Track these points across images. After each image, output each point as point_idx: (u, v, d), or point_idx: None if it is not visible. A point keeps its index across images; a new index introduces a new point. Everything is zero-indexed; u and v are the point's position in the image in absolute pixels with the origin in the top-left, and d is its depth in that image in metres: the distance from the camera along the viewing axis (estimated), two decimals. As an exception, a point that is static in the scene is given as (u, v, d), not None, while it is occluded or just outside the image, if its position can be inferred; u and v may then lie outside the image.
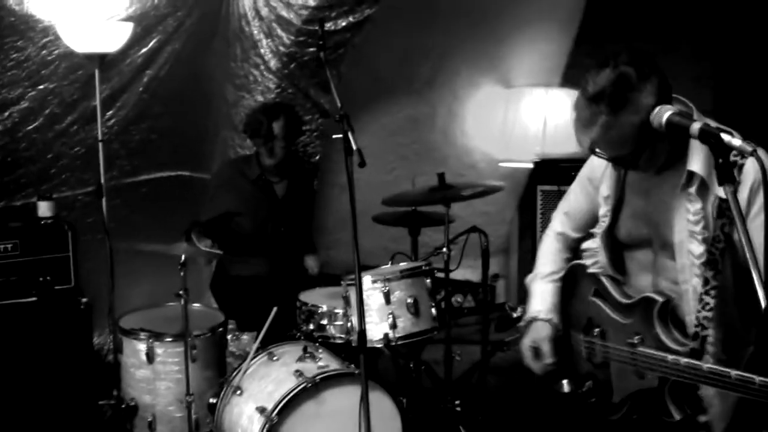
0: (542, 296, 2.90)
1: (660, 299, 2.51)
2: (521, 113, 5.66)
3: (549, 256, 2.96)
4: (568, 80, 5.96)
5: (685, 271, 2.46)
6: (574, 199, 2.89)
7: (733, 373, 2.20)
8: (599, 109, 2.33)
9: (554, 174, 4.84)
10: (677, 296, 2.52)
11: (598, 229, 2.75)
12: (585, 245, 2.87)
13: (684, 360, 2.35)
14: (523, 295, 6.23)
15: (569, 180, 4.69)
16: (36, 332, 3.86)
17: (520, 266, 6.49)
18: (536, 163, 4.90)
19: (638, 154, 2.41)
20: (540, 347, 2.81)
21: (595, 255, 2.79)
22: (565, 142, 5.53)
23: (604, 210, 2.70)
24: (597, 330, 2.73)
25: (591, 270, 2.79)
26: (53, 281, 3.92)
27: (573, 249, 2.95)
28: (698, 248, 2.41)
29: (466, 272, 5.24)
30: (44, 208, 4.02)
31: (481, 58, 5.76)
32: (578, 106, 2.40)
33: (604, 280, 2.73)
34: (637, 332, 2.55)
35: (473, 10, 5.46)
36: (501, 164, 5.86)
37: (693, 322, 2.42)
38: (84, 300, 3.98)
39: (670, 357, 2.39)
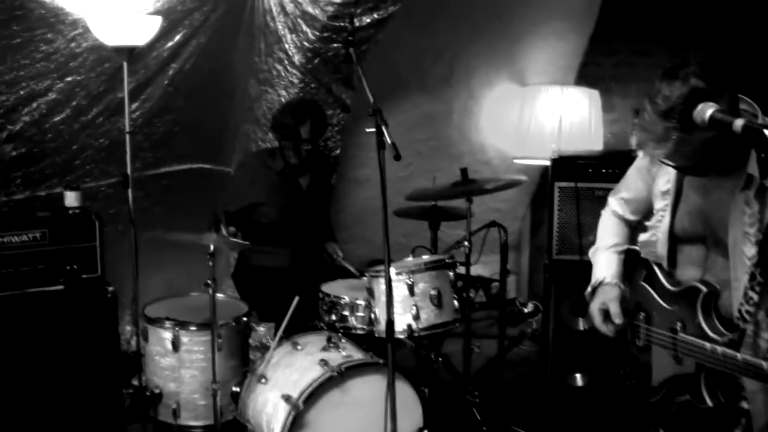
0: (607, 264, 2.96)
1: (705, 289, 2.59)
2: (536, 111, 5.70)
3: (610, 229, 3.04)
4: (583, 78, 6.01)
5: (737, 269, 2.51)
6: (633, 187, 2.96)
7: (766, 365, 2.27)
8: (672, 125, 2.36)
9: (571, 171, 4.90)
10: (723, 290, 2.58)
11: (655, 222, 2.82)
12: (640, 239, 2.92)
13: (720, 349, 2.42)
14: (534, 291, 6.36)
15: (586, 177, 4.86)
16: (63, 320, 3.89)
17: (531, 262, 6.55)
18: (554, 161, 4.95)
19: (709, 164, 2.48)
20: (609, 308, 2.85)
21: (648, 246, 2.86)
22: (579, 140, 5.59)
23: (661, 204, 2.77)
24: (643, 314, 2.82)
25: (643, 256, 2.88)
26: (80, 270, 3.95)
27: (631, 227, 3.05)
28: (751, 250, 2.45)
29: (477, 267, 5.31)
30: (71, 198, 4.05)
31: (496, 56, 5.81)
32: (648, 119, 2.41)
33: (655, 267, 2.81)
34: (680, 319, 2.64)
35: (489, 8, 5.51)
36: (516, 161, 5.91)
37: (736, 315, 2.47)
38: (110, 289, 4.02)
39: (708, 345, 2.47)
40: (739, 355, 2.36)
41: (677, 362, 2.64)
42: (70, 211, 4.03)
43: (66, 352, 3.91)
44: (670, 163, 2.53)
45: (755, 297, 2.39)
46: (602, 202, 3.16)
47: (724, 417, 2.59)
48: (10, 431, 3.78)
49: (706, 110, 2.29)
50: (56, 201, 4.23)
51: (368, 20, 4.58)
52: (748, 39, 5.40)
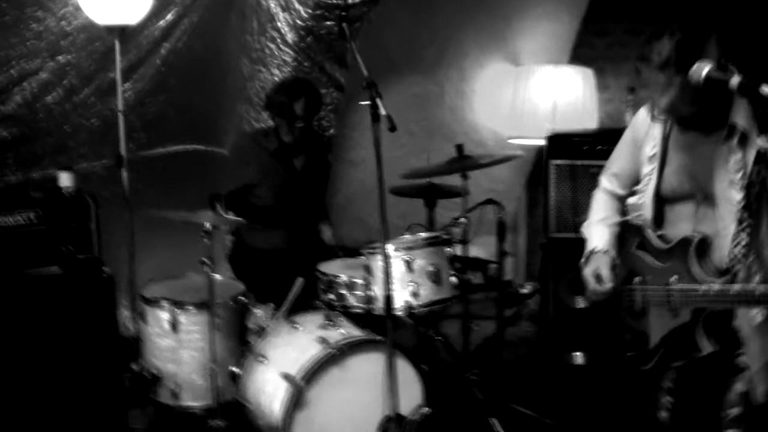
0: (599, 235, 3.08)
1: (696, 236, 2.71)
2: (530, 91, 5.69)
3: (602, 205, 3.17)
4: (576, 58, 5.99)
5: (726, 217, 2.65)
6: (623, 161, 3.09)
7: (757, 288, 2.46)
8: (671, 73, 2.56)
9: (566, 149, 4.90)
10: (714, 240, 2.70)
11: (642, 186, 2.94)
12: (629, 201, 3.07)
13: (716, 286, 2.56)
14: (531, 272, 6.35)
15: (581, 155, 4.85)
16: (59, 302, 3.85)
17: (528, 243, 6.54)
18: (549, 138, 4.95)
19: (708, 110, 2.64)
20: (600, 273, 2.96)
21: (638, 209, 2.98)
22: (574, 119, 5.58)
23: (648, 168, 2.89)
24: (637, 278, 2.90)
25: (634, 222, 3.00)
26: (76, 251, 3.90)
27: (622, 201, 3.16)
28: (738, 195, 2.59)
29: (474, 249, 5.29)
30: (65, 179, 3.99)
31: (489, 36, 5.78)
32: (647, 75, 2.63)
33: (645, 230, 2.91)
34: (675, 272, 2.73)
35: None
36: (510, 141, 5.89)
37: (728, 258, 2.60)
38: (107, 270, 3.97)
39: (703, 286, 2.59)
40: (732, 288, 2.51)
41: (673, 315, 2.71)
42: (65, 192, 3.97)
43: (63, 334, 3.85)
44: (667, 117, 2.73)
45: (745, 239, 2.53)
46: (597, 179, 3.23)
47: (723, 372, 2.67)
48: (7, 417, 3.73)
49: (702, 69, 2.46)
50: (49, 183, 4.15)
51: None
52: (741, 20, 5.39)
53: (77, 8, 3.99)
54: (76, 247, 3.91)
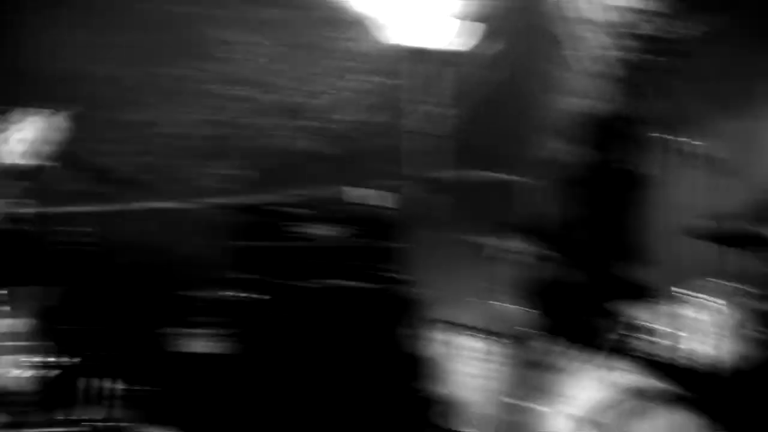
0: None
1: None
2: None
3: None
4: None
5: None
6: None
7: None
8: None
9: None
10: None
11: None
12: None
13: None
14: None
15: None
16: (362, 318, 3.98)
17: None
18: None
19: None
20: None
21: None
22: None
23: None
24: None
25: None
26: (387, 269, 4.00)
27: None
28: None
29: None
30: (383, 198, 4.14)
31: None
32: None
33: None
34: None
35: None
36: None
37: None
38: (414, 290, 4.05)
39: None
40: None
41: None
42: (381, 210, 4.11)
43: (363, 350, 3.96)
44: None
45: None
46: None
47: None
48: (298, 422, 3.90)
49: None
50: (365, 200, 4.23)
51: (677, 32, 4.38)
52: None
53: (376, 29, 4.15)
54: (387, 265, 4.01)
